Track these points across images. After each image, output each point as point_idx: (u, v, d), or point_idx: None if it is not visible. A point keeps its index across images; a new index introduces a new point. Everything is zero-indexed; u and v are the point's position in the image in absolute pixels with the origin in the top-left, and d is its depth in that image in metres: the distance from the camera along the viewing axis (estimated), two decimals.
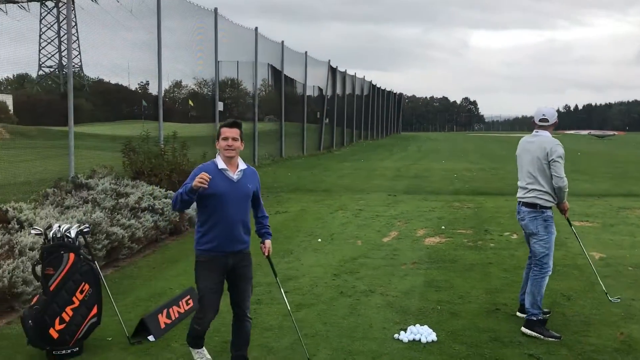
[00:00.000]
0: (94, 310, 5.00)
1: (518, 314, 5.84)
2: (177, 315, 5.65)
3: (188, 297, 5.95)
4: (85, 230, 5.20)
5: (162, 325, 5.40)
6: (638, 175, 19.68)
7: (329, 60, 34.06)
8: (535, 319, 5.37)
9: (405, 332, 5.29)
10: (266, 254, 4.53)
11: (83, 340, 4.95)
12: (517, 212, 5.78)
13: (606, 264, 7.74)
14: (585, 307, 6.10)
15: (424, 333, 5.24)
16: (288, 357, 4.85)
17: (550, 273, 5.55)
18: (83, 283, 4.92)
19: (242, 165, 4.32)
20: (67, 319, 4.82)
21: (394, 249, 8.68)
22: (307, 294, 6.54)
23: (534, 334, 5.29)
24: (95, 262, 5.18)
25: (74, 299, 4.87)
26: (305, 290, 6.68)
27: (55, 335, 4.76)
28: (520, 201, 5.69)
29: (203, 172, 3.99)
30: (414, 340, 5.17)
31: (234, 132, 4.21)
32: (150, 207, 9.15)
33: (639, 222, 10.85)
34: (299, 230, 10.12)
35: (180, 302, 5.82)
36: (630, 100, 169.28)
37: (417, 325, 5.42)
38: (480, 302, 6.27)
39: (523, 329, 5.39)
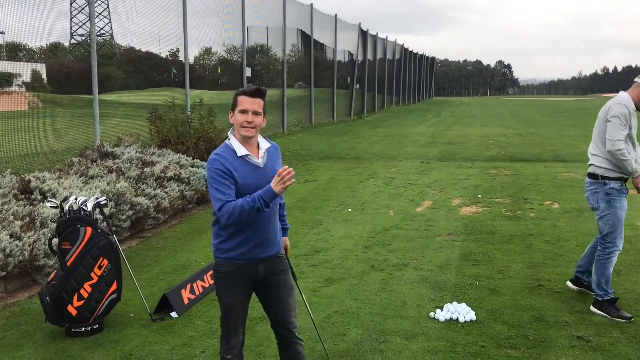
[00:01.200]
0: (114, 286, 4.78)
1: (568, 283, 5.45)
2: (201, 290, 5.43)
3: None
4: (102, 202, 4.96)
5: (186, 301, 5.18)
6: None
7: (360, 24, 33.19)
8: (600, 299, 4.98)
9: (442, 310, 4.96)
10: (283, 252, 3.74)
11: (103, 316, 4.77)
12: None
13: None
14: (637, 283, 5.65)
15: (462, 311, 4.90)
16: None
17: (617, 252, 5.02)
18: (101, 258, 4.70)
19: (265, 144, 3.26)
20: (85, 295, 4.62)
21: (428, 220, 8.30)
22: (336, 267, 6.25)
23: (601, 313, 4.93)
24: (114, 235, 4.94)
25: (92, 274, 4.66)
26: (335, 263, 6.38)
27: (73, 312, 4.57)
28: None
29: (287, 168, 2.95)
30: (451, 319, 4.84)
31: (255, 104, 3.11)
32: (176, 177, 8.93)
33: None
34: (329, 199, 9.79)
35: (204, 277, 5.58)
36: None
37: (454, 302, 5.07)
38: (522, 277, 5.88)
39: (592, 307, 5.03)
